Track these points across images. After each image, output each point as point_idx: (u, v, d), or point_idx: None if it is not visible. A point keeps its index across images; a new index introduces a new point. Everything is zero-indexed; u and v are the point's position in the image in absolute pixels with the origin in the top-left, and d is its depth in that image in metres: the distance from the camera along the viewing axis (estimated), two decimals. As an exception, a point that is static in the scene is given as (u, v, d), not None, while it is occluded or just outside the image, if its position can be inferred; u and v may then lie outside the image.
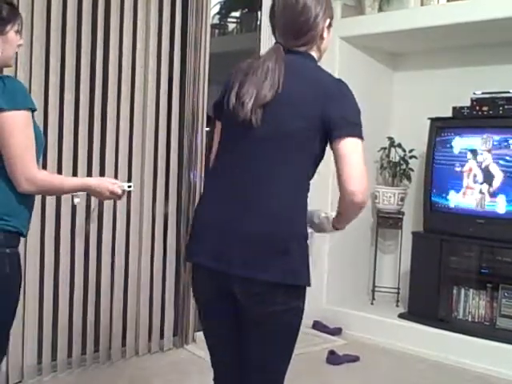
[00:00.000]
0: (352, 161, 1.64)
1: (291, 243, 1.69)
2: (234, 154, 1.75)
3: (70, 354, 3.19)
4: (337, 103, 1.68)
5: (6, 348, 2.04)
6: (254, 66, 1.72)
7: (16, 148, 1.79)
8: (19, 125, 1.79)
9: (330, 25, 1.81)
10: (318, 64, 1.82)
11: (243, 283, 1.68)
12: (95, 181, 2.07)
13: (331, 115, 1.66)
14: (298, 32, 1.75)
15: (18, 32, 1.91)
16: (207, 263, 1.74)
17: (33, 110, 1.85)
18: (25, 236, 1.95)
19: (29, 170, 1.81)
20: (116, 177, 3.27)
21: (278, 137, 1.68)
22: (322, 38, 1.80)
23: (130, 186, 2.09)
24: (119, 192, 2.03)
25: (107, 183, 2.03)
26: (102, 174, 3.20)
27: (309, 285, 1.73)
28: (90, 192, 2.04)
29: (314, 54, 1.81)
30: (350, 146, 1.65)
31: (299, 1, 1.74)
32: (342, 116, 1.67)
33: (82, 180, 2.08)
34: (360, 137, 1.67)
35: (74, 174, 3.07)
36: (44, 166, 2.83)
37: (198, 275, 1.82)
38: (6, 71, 1.97)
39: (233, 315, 1.77)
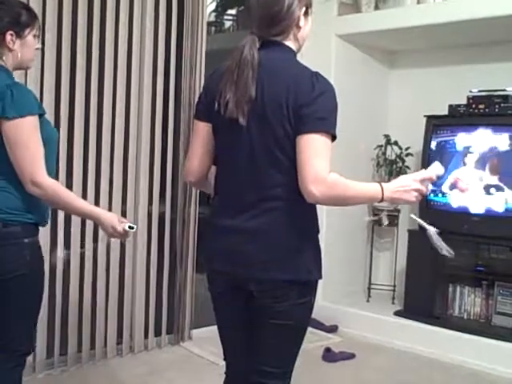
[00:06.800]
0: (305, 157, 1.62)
1: (303, 240, 1.72)
2: (232, 159, 1.73)
3: (64, 352, 3.19)
4: (308, 104, 1.61)
5: (34, 336, 2.08)
6: (230, 69, 1.68)
7: (23, 156, 1.82)
8: (24, 132, 1.82)
9: (306, 13, 1.75)
10: (297, 55, 1.76)
11: (259, 283, 1.72)
12: (103, 214, 2.00)
13: (301, 114, 1.61)
14: (271, 22, 1.70)
15: (36, 36, 1.98)
16: (223, 268, 1.77)
17: (41, 115, 1.89)
18: (43, 226, 2.01)
19: (36, 175, 1.84)
20: (111, 177, 3.29)
21: (268, 138, 1.66)
22: (298, 26, 1.73)
23: (131, 228, 1.98)
24: (120, 230, 1.96)
25: (114, 221, 1.97)
26: (97, 175, 3.22)
27: (321, 277, 1.76)
28: (96, 222, 2.03)
29: (291, 44, 1.75)
30: (308, 142, 1.61)
31: None
32: (309, 114, 1.61)
33: (90, 208, 2.02)
34: (324, 132, 1.61)
35: (69, 170, 3.08)
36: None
37: (213, 276, 1.85)
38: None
39: (246, 311, 1.81)
